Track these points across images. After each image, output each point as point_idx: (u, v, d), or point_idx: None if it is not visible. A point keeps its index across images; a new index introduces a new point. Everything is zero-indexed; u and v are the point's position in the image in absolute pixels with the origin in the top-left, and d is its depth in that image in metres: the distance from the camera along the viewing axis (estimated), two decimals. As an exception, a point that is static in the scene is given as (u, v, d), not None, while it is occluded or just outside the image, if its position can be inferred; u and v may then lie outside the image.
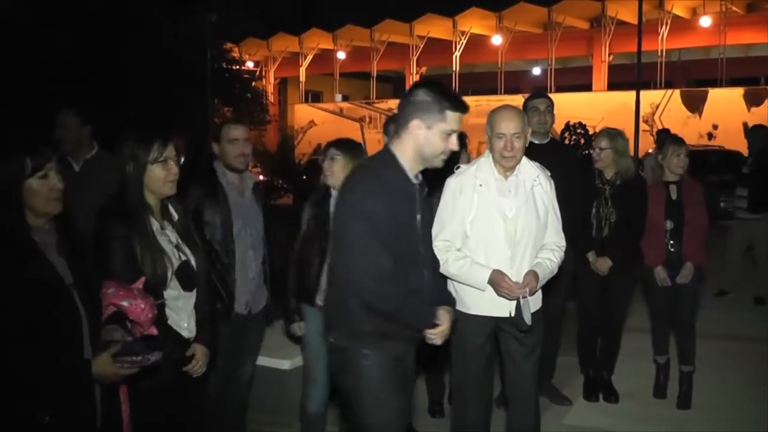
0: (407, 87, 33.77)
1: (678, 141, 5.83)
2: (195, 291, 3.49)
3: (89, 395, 2.90)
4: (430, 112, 3.18)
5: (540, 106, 5.48)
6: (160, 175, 3.39)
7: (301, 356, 4.75)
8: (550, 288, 5.26)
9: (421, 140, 3.20)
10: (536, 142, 5.26)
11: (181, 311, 3.43)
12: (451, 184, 4.10)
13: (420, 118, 3.18)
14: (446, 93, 3.23)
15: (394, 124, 3.34)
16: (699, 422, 5.39)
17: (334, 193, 4.29)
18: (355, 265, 3.15)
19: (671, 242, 5.58)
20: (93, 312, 2.91)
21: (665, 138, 9.12)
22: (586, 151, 9.97)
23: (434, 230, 3.79)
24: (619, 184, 5.50)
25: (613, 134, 5.62)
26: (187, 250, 3.47)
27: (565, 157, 5.77)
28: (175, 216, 3.52)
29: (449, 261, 3.93)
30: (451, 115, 3.22)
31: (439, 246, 3.86)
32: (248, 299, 4.42)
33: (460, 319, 3.76)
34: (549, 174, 4.21)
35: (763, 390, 5.88)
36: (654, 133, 19.25)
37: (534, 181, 4.09)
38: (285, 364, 5.34)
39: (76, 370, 2.80)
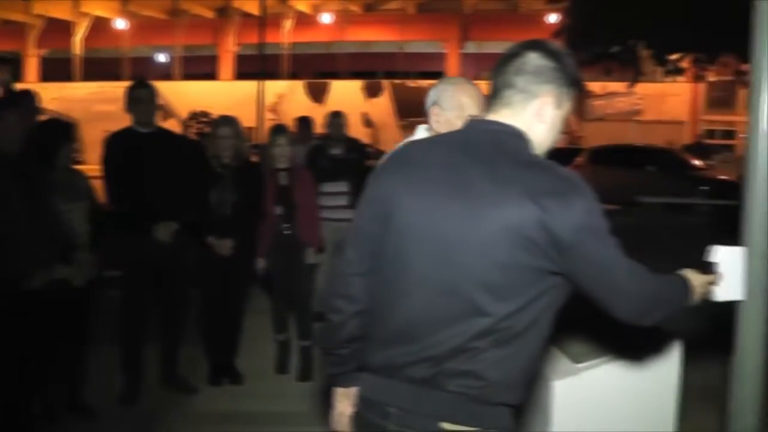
0: (25, 70, 31.45)
1: (277, 130, 6.19)
2: None
3: None
4: (561, 85, 2.18)
5: (145, 96, 5.47)
6: None
7: None
8: (175, 275, 5.33)
9: (547, 125, 2.19)
10: (143, 131, 5.38)
11: None
12: None
13: (551, 92, 2.17)
14: (571, 61, 2.22)
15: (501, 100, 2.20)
16: (318, 393, 5.73)
17: None
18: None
19: (285, 225, 5.89)
20: None
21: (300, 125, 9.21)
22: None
23: None
24: (237, 168, 5.67)
25: (232, 121, 5.80)
26: None
27: (174, 145, 5.82)
28: None
29: None
30: (572, 94, 2.23)
31: None
32: None
33: None
34: None
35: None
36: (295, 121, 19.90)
37: None
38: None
39: None
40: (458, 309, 2.03)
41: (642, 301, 2.14)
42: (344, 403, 2.40)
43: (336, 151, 7.58)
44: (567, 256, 2.00)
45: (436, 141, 2.28)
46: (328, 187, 7.08)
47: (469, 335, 2.02)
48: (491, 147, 2.11)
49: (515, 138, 2.13)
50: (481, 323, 2.01)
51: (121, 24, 37.23)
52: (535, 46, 2.18)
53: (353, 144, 7.99)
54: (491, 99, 2.22)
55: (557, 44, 2.20)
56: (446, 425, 2.05)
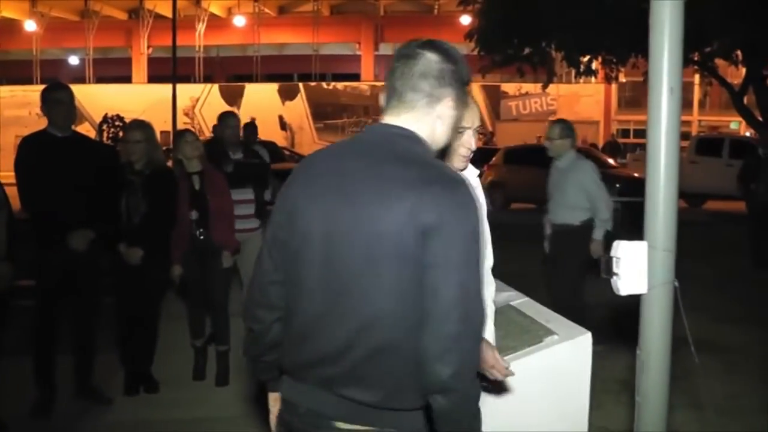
0: None
1: (182, 133, 6.19)
2: None
3: None
4: (460, 86, 2.20)
5: (66, 98, 5.33)
6: None
7: None
8: (89, 284, 5.31)
9: (446, 126, 2.21)
10: (59, 135, 5.26)
11: None
12: None
13: (452, 94, 2.18)
14: (464, 60, 2.22)
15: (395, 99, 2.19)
16: (236, 398, 5.69)
17: None
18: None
19: (200, 230, 5.81)
20: None
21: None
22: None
23: None
24: (148, 175, 5.55)
25: (144, 125, 5.69)
26: None
27: (91, 150, 5.68)
28: None
29: None
30: (466, 93, 2.30)
31: None
32: None
33: None
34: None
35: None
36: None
37: (475, 181, 3.14)
38: None
39: None
40: (349, 309, 2.03)
41: (453, 330, 1.96)
42: (277, 406, 2.41)
43: (236, 155, 6.91)
44: (425, 245, 1.96)
45: (338, 147, 2.27)
46: (243, 193, 6.64)
47: (361, 335, 2.03)
48: (381, 148, 2.11)
49: (408, 140, 2.13)
50: (373, 322, 2.01)
51: (30, 26, 36.23)
52: (432, 47, 2.16)
53: (254, 148, 7.45)
54: (391, 100, 2.19)
55: (447, 42, 2.20)
56: (341, 425, 2.07)
